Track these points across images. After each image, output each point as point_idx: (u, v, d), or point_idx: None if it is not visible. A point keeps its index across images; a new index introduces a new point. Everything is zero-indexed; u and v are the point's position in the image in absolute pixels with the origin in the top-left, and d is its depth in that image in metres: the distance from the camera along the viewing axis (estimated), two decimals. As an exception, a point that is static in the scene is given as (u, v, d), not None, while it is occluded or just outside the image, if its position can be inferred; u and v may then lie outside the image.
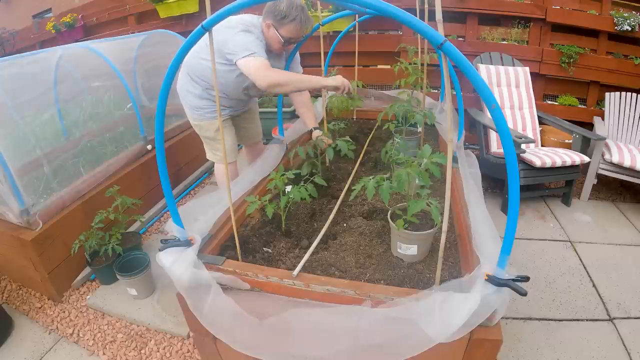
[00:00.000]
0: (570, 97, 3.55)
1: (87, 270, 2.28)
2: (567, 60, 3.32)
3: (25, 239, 1.93)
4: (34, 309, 2.13)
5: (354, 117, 2.88)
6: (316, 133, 2.16)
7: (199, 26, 0.96)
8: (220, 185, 2.28)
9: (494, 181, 3.12)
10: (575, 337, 1.83)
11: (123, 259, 2.11)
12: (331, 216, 1.54)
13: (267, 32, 1.80)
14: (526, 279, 0.93)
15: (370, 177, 1.29)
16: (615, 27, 3.20)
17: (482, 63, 3.35)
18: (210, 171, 3.50)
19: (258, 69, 1.65)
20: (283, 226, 1.51)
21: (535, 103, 3.29)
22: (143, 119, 2.75)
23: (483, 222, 1.23)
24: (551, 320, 1.92)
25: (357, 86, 2.66)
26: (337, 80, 1.75)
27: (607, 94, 3.23)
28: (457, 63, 0.79)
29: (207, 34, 0.99)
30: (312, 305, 1.12)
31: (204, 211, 1.42)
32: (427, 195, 1.25)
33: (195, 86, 1.99)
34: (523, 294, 0.91)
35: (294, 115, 3.73)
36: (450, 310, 0.93)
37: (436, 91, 3.33)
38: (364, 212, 1.62)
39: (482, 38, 3.57)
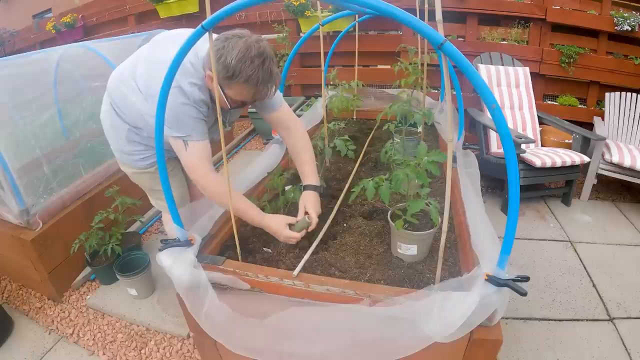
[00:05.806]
0: (570, 97, 3.55)
1: (87, 270, 2.28)
2: (567, 60, 3.32)
3: (25, 239, 1.93)
4: (34, 309, 2.13)
5: (354, 117, 2.88)
6: (308, 197, 1.43)
7: (199, 26, 0.96)
8: (170, 237, 1.62)
9: (494, 181, 3.12)
10: (575, 337, 1.83)
11: (123, 259, 2.11)
12: (331, 216, 1.54)
13: (210, 84, 1.24)
14: (526, 279, 0.93)
15: (370, 179, 1.29)
16: (615, 27, 3.20)
17: (482, 63, 3.35)
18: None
19: (191, 168, 1.30)
20: (283, 226, 1.50)
21: (535, 103, 3.29)
22: (143, 119, 2.74)
23: (481, 223, 1.23)
24: (551, 320, 1.92)
25: (357, 86, 2.66)
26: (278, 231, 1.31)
27: (607, 94, 3.23)
28: (457, 63, 0.78)
29: (205, 35, 0.99)
30: (312, 305, 1.12)
31: (204, 211, 1.42)
32: (426, 195, 1.25)
33: (120, 123, 1.49)
34: (523, 294, 0.91)
35: (294, 115, 3.73)
36: (449, 309, 0.93)
37: (436, 91, 3.33)
38: (364, 212, 1.62)
39: (482, 38, 3.57)
